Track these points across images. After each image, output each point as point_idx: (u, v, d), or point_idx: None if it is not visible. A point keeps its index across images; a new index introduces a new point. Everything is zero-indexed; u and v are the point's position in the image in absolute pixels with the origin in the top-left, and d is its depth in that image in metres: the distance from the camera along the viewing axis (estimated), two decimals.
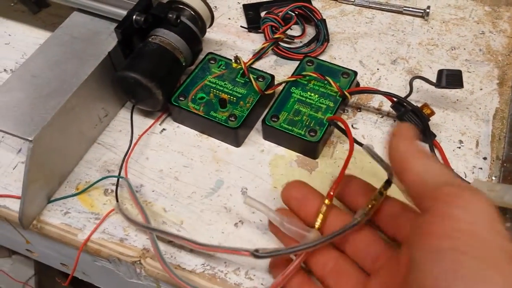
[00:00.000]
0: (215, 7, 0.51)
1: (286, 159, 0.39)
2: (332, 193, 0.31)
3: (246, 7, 0.50)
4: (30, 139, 0.33)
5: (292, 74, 0.41)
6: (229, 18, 0.50)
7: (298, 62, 0.45)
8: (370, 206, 0.29)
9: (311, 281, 0.31)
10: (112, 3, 0.40)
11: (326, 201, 0.31)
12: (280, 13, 0.46)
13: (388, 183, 0.30)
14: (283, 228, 0.31)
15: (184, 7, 0.41)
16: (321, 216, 0.31)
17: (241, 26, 0.49)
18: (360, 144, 0.34)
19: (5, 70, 0.47)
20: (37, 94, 0.36)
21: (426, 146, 0.38)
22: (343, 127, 0.36)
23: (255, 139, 0.41)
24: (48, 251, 0.42)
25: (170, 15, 0.39)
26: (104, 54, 0.38)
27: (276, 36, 0.44)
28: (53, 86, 0.37)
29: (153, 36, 0.40)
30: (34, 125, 0.34)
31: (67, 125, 0.37)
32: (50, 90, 0.36)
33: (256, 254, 0.29)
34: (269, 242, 0.35)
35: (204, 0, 0.42)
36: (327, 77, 0.39)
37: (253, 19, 0.49)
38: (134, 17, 0.39)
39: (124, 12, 0.39)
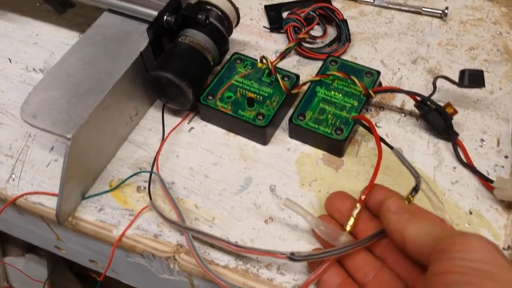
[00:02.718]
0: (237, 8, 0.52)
1: (312, 157, 0.40)
2: (363, 198, 0.33)
3: (268, 8, 0.51)
4: (68, 136, 0.34)
5: (317, 74, 0.43)
6: (251, 19, 0.51)
7: (320, 62, 0.46)
8: None
9: (352, 283, 0.32)
10: (143, 4, 0.41)
11: (358, 205, 0.33)
12: (303, 14, 0.47)
13: (415, 190, 0.31)
14: (318, 231, 0.32)
15: (212, 8, 0.42)
16: (352, 219, 0.32)
17: (264, 27, 0.50)
18: (387, 145, 0.36)
19: (34, 69, 0.48)
20: (73, 93, 0.37)
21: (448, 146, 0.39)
22: (368, 126, 0.37)
23: (281, 138, 0.42)
24: (78, 248, 0.43)
25: (200, 16, 0.40)
26: (136, 54, 0.39)
27: (301, 36, 0.45)
28: (88, 85, 0.38)
29: (182, 36, 0.41)
30: (71, 123, 0.35)
31: (102, 123, 0.38)
32: (85, 89, 0.37)
33: (292, 257, 0.31)
34: (300, 239, 0.36)
35: (231, 1, 0.43)
36: (352, 77, 0.40)
37: (275, 20, 0.50)
38: (165, 17, 0.40)
39: (155, 13, 0.40)
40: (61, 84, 0.38)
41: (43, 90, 0.38)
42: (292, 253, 0.31)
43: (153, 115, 0.44)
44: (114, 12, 0.43)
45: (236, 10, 0.43)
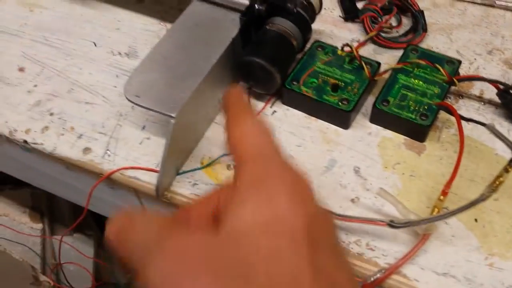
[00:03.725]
0: None
1: (394, 141, 0.42)
2: (447, 191, 0.34)
3: None
4: (173, 115, 0.37)
5: (399, 61, 0.44)
6: (325, 8, 0.53)
7: (396, 51, 0.47)
8: (497, 182, 0.32)
9: None
10: None
11: (441, 197, 0.34)
12: (379, 4, 0.49)
13: None
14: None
15: None
16: (436, 210, 0.34)
17: (339, 16, 0.51)
18: (478, 122, 0.37)
19: (119, 53, 0.50)
20: (171, 75, 0.40)
21: None
22: (452, 112, 0.38)
23: (362, 122, 0.43)
24: None
25: (289, 5, 0.42)
26: (228, 41, 0.41)
27: (382, 26, 0.46)
28: (185, 68, 0.40)
29: (271, 24, 0.43)
30: (174, 103, 0.38)
31: (198, 104, 0.40)
32: (183, 72, 0.40)
33: (392, 224, 0.32)
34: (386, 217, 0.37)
35: None
36: (437, 65, 0.42)
37: (349, 9, 0.51)
38: (256, 6, 0.42)
39: (246, 2, 0.42)
40: (159, 67, 0.40)
41: (143, 72, 0.40)
42: (391, 220, 0.32)
43: None
44: (203, 0, 0.44)
45: (320, 1, 0.45)
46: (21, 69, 0.50)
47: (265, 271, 0.19)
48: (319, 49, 0.46)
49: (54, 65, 0.50)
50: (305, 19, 0.44)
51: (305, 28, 0.44)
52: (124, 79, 0.47)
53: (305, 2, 0.44)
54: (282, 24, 0.42)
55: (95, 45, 0.51)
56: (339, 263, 0.21)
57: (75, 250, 0.83)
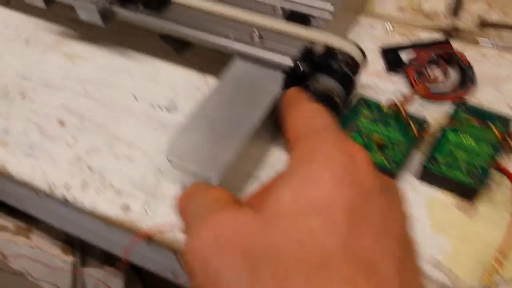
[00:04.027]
0: None
1: (443, 201, 0.40)
2: (500, 257, 0.32)
3: (385, 51, 0.51)
4: (216, 179, 0.36)
5: (448, 118, 0.42)
6: (368, 61, 0.51)
7: (443, 105, 0.45)
8: None
9: None
10: (275, 50, 0.43)
11: (494, 264, 0.32)
12: (426, 57, 0.47)
13: None
14: None
15: (342, 53, 0.43)
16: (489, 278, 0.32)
17: (383, 68, 0.50)
18: None
19: (159, 106, 0.50)
20: (213, 135, 0.39)
21: None
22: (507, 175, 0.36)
23: (409, 181, 0.41)
24: None
25: (332, 63, 0.41)
26: (271, 100, 0.41)
27: (430, 83, 0.45)
28: (228, 129, 0.39)
29: (313, 82, 0.42)
30: (216, 165, 0.37)
31: (240, 164, 0.39)
32: (225, 132, 0.39)
33: None
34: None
35: (360, 47, 0.44)
36: (490, 123, 0.40)
37: (393, 62, 0.50)
38: (300, 65, 0.41)
39: (289, 62, 0.42)
40: (201, 128, 0.39)
41: (187, 132, 0.39)
42: None
43: (277, 153, 0.44)
44: (244, 57, 0.44)
45: (364, 55, 0.44)
46: (61, 122, 0.50)
47: (295, 253, 0.18)
48: (363, 104, 0.44)
49: (94, 118, 0.50)
50: (348, 76, 0.42)
51: (348, 85, 0.43)
52: (164, 134, 0.47)
53: (349, 59, 0.43)
54: (325, 82, 0.41)
55: (135, 97, 0.51)
56: (389, 250, 0.19)
57: (105, 285, 0.82)
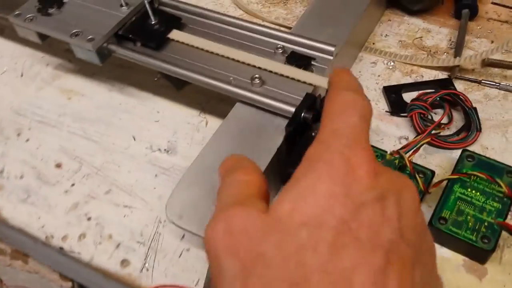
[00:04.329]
0: None
1: (452, 262, 0.39)
2: None
3: (387, 90, 0.51)
4: None
5: (454, 171, 0.41)
6: (370, 100, 0.51)
7: (448, 152, 0.45)
8: None
9: None
10: (278, 98, 0.42)
11: None
12: (429, 100, 0.46)
13: None
14: None
15: None
16: None
17: (386, 111, 0.49)
18: None
19: (159, 149, 0.49)
20: (214, 189, 0.38)
21: None
22: None
23: None
24: None
25: None
26: (273, 150, 0.40)
27: (434, 131, 0.44)
28: None
29: (316, 131, 0.41)
30: None
31: None
32: None
33: None
34: None
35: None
36: (498, 180, 0.39)
37: (396, 102, 0.49)
38: (303, 114, 0.40)
39: (291, 109, 0.41)
40: (202, 181, 0.39)
41: (186, 187, 0.38)
42: None
43: None
44: (246, 104, 0.43)
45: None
46: (59, 165, 0.49)
47: (281, 267, 0.20)
48: None
49: (92, 161, 0.49)
50: None
51: None
52: (164, 179, 0.46)
53: None
54: None
55: (134, 139, 0.50)
56: (369, 264, 0.19)
57: None
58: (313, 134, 0.41)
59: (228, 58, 0.46)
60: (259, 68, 0.45)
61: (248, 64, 0.45)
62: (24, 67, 0.59)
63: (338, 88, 0.27)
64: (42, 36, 0.51)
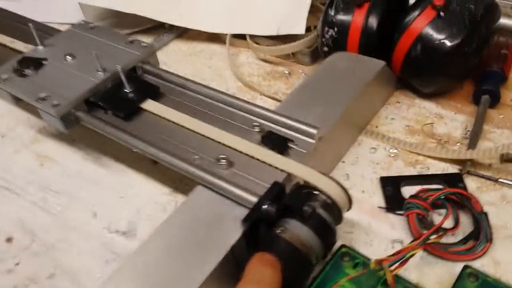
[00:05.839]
0: (347, 175, 0.45)
1: None
2: None
3: (384, 181, 0.44)
4: None
5: None
6: (363, 191, 0.44)
7: (451, 263, 0.37)
8: None
9: None
10: (241, 186, 0.36)
11: None
12: (430, 198, 0.39)
13: None
14: None
15: (319, 194, 0.36)
16: None
17: (379, 207, 0.42)
18: None
19: (117, 231, 0.43)
20: None
21: None
22: None
23: None
24: None
25: (306, 208, 0.34)
26: (227, 248, 0.33)
27: (432, 240, 0.36)
28: (171, 282, 0.32)
29: (282, 228, 0.34)
30: None
31: None
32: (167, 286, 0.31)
33: None
34: None
35: (342, 186, 0.36)
36: None
37: (392, 197, 0.42)
38: (265, 207, 0.34)
39: (252, 198, 0.34)
40: (138, 280, 0.32)
41: (117, 285, 0.32)
42: None
43: None
44: (207, 188, 0.37)
45: (348, 197, 0.36)
46: (9, 239, 0.44)
47: None
48: (346, 258, 0.36)
49: (45, 238, 0.44)
50: (326, 224, 0.35)
51: (326, 233, 0.35)
52: (112, 267, 0.41)
53: (328, 201, 0.36)
54: (296, 230, 0.34)
55: (95, 215, 0.45)
56: None
57: None
58: (277, 231, 0.34)
59: (197, 133, 0.41)
60: (229, 147, 0.39)
61: (218, 142, 0.40)
62: (8, 128, 0.56)
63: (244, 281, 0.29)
64: (16, 98, 0.48)
